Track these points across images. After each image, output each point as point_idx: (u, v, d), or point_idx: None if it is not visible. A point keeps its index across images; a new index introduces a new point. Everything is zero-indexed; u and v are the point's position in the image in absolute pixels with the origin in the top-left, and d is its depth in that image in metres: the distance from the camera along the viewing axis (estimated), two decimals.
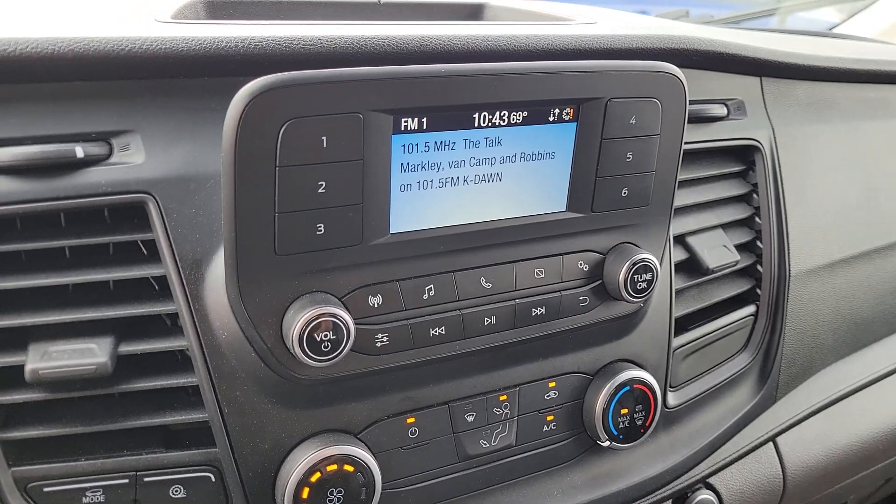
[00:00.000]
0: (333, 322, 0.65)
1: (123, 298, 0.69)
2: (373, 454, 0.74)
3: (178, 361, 0.72)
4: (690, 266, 0.97)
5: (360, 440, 0.74)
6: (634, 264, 0.79)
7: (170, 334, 0.70)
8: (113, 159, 0.68)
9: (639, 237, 0.83)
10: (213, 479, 0.70)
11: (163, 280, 0.69)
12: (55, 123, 0.67)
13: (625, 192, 0.79)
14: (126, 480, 0.67)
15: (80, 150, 0.65)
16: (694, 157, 1.00)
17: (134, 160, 0.68)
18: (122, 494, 0.68)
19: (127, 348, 0.67)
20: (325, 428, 0.73)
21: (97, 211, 0.69)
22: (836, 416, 1.19)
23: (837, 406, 1.20)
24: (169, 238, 0.68)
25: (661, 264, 0.83)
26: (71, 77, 0.67)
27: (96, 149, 0.67)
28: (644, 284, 0.81)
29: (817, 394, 1.12)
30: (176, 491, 0.69)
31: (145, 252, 0.70)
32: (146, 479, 0.68)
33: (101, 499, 0.67)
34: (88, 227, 0.69)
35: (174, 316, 0.70)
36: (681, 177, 0.96)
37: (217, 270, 0.68)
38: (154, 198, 0.68)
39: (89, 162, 0.67)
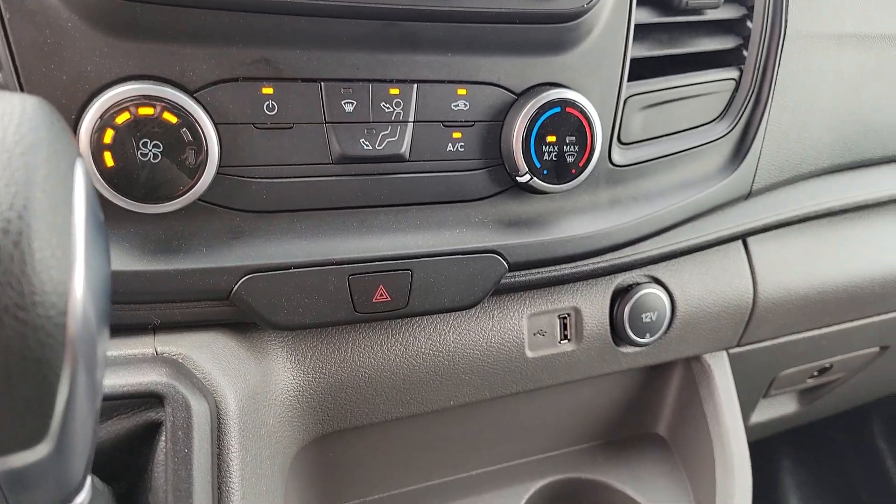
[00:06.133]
0: None
1: None
2: (213, 122, 0.59)
3: None
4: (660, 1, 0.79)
5: (197, 100, 0.59)
6: None
7: None
8: None
9: None
10: None
11: None
12: None
13: None
14: None
15: None
16: None
17: None
18: None
19: None
20: (150, 73, 0.58)
21: None
22: (823, 240, 1.02)
23: (827, 230, 1.02)
24: None
25: None
26: None
27: None
28: None
29: (805, 199, 0.94)
30: None
31: None
32: None
33: None
34: None
35: None
36: None
37: None
38: None
39: None
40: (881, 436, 2.13)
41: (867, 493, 2.12)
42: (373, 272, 0.67)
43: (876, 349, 1.24)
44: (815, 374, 1.24)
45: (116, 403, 0.54)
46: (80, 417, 0.36)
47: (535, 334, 0.82)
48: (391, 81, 0.66)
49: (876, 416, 2.12)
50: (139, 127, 0.55)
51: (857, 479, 2.16)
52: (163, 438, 0.53)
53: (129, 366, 0.56)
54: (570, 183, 0.73)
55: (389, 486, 0.91)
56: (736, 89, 0.86)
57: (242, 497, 0.59)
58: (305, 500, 0.85)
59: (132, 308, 0.60)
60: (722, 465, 0.93)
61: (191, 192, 0.58)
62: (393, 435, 0.86)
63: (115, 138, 0.55)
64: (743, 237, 0.92)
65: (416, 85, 0.66)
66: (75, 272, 0.32)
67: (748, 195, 0.89)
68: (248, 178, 0.63)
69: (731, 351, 1.01)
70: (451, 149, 0.70)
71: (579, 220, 0.76)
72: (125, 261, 0.59)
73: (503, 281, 0.74)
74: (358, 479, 0.87)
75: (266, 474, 0.65)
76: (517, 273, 0.75)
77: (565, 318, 0.84)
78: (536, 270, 0.76)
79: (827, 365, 1.22)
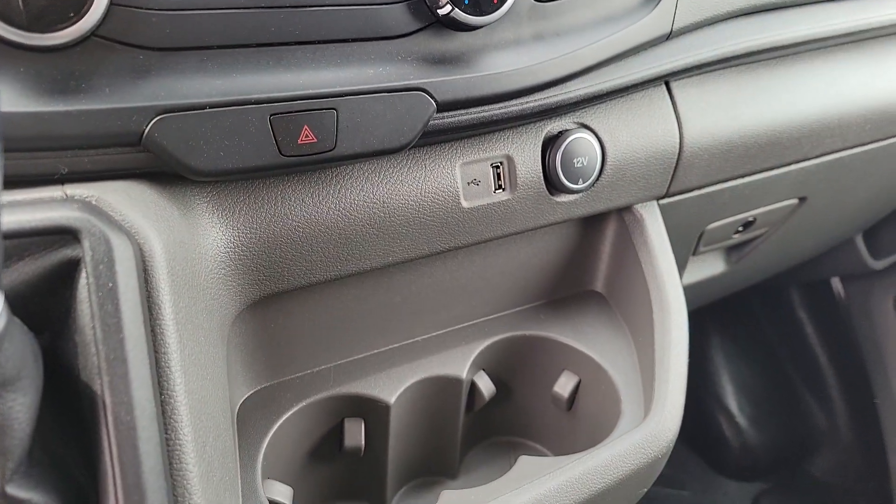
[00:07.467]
0: None
1: None
2: None
3: None
4: None
5: None
6: None
7: None
8: None
9: None
10: None
11: None
12: None
13: None
14: None
15: None
16: None
17: None
18: None
19: None
20: None
21: None
22: (743, 86, 1.04)
23: (746, 75, 1.04)
24: None
25: None
26: None
27: None
28: None
29: (724, 40, 0.95)
30: None
31: None
32: None
33: None
34: None
35: None
36: None
37: None
38: None
39: None
40: (800, 306, 2.26)
41: (791, 362, 2.26)
42: (296, 111, 0.64)
43: (795, 201, 1.29)
44: (741, 228, 1.29)
45: (25, 242, 0.50)
46: None
47: (469, 184, 0.81)
48: None
49: (794, 288, 2.25)
50: None
51: (780, 351, 2.30)
52: (83, 276, 0.50)
53: (36, 206, 0.52)
54: (493, 15, 0.71)
55: (335, 357, 0.90)
56: None
57: (179, 340, 0.56)
58: (252, 375, 0.83)
59: (33, 156, 0.56)
60: (659, 308, 0.96)
61: (82, 20, 0.53)
62: (335, 302, 0.84)
63: None
64: (666, 78, 0.92)
65: None
66: None
67: (669, 35, 0.89)
68: (146, 9, 0.58)
69: (662, 202, 1.04)
70: None
71: (505, 57, 0.74)
72: (18, 101, 0.53)
73: (432, 122, 0.72)
74: (302, 350, 0.86)
75: (203, 326, 0.63)
76: (446, 114, 0.73)
77: (498, 166, 0.83)
78: (465, 111, 0.74)
79: (750, 218, 1.26)
